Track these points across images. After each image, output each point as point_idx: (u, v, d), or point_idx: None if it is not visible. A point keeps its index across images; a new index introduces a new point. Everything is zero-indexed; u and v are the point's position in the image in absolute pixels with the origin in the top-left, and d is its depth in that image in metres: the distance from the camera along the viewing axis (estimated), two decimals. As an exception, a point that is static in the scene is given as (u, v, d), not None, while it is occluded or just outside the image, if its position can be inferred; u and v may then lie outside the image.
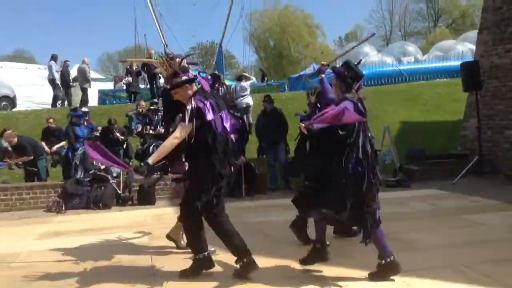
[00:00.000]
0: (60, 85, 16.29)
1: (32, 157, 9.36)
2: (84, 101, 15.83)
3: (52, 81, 16.15)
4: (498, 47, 9.85)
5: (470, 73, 9.63)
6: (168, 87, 4.32)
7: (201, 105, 3.96)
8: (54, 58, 16.61)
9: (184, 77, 4.11)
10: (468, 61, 11.55)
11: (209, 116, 3.97)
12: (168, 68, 4.19)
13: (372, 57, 23.80)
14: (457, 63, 15.42)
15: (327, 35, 48.72)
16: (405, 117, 13.83)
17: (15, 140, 9.36)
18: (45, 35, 79.28)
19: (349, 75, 4.05)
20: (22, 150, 9.36)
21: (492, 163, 9.48)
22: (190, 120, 3.89)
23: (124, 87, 17.76)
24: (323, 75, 5.12)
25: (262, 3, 41.25)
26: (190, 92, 4.07)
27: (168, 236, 5.21)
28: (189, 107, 3.93)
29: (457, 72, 15.55)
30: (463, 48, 23.00)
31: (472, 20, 44.52)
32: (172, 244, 5.25)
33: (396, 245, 5.04)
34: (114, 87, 20.19)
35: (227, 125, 4.14)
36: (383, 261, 4.01)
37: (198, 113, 3.92)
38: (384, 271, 4.01)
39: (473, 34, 24.99)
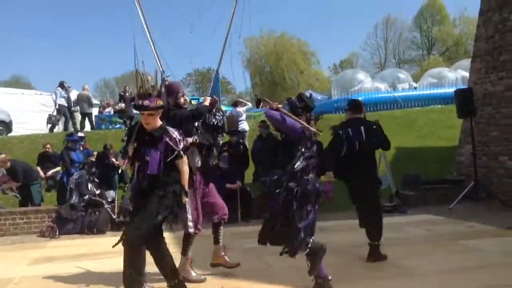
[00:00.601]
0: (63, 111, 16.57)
1: (19, 184, 9.31)
2: (90, 124, 16.64)
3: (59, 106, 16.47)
4: (491, 75, 9.98)
5: (464, 100, 9.73)
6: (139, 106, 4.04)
7: (179, 137, 4.09)
8: (61, 85, 16.87)
9: (160, 103, 4.02)
10: (462, 88, 11.69)
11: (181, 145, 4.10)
12: (143, 86, 4.01)
13: (366, 84, 24.01)
14: (451, 90, 15.58)
15: (322, 62, 49.23)
16: (401, 143, 13.88)
17: (8, 164, 9.32)
18: (42, 61, 79.74)
19: (299, 106, 4.26)
20: (14, 174, 9.32)
21: (487, 188, 9.51)
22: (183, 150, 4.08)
23: (112, 112, 18.09)
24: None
25: (258, 31, 41.56)
26: (159, 118, 4.11)
27: (212, 264, 5.06)
28: (175, 137, 4.04)
29: (450, 99, 15.72)
30: (456, 75, 23.30)
31: (465, 48, 45.25)
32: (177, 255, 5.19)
33: (393, 271, 5.05)
34: (100, 112, 19.86)
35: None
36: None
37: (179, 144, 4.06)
38: None
39: (466, 62, 25.42)
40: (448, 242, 6.28)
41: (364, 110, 5.85)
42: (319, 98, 25.46)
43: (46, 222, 8.59)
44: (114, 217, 8.83)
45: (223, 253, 4.98)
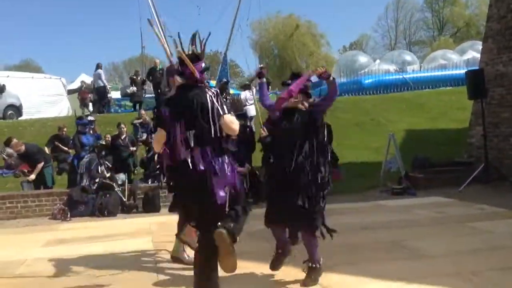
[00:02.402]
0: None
1: (43, 163, 9.42)
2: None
3: (101, 89, 17.26)
4: (503, 55, 9.84)
5: (475, 81, 9.62)
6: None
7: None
8: (99, 66, 17.57)
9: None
10: (473, 69, 11.54)
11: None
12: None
13: (372, 66, 23.90)
14: (462, 71, 15.43)
15: (331, 44, 48.81)
16: (410, 125, 13.83)
17: (23, 148, 9.40)
18: (51, 45, 79.82)
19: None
20: (30, 157, 9.39)
21: (498, 170, 9.43)
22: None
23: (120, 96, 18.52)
24: (263, 79, 4.76)
25: (265, 13, 41.12)
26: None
27: (173, 257, 5.03)
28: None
29: (461, 80, 15.58)
30: (460, 57, 23.15)
31: (477, 29, 44.56)
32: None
33: (402, 253, 5.05)
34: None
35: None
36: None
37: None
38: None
39: (471, 43, 25.13)
40: (458, 224, 6.26)
41: None
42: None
43: (58, 204, 8.68)
44: (124, 199, 8.91)
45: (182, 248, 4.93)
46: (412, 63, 24.62)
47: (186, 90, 3.50)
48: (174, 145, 3.36)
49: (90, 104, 18.06)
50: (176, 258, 4.98)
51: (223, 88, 9.98)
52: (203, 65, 3.58)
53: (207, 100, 3.40)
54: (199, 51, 3.57)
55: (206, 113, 3.37)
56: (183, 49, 3.53)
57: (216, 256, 3.39)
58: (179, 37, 3.54)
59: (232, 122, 3.48)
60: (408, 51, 32.63)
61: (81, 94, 18.60)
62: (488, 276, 4.13)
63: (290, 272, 4.38)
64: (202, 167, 3.32)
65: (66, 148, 10.68)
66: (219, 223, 3.33)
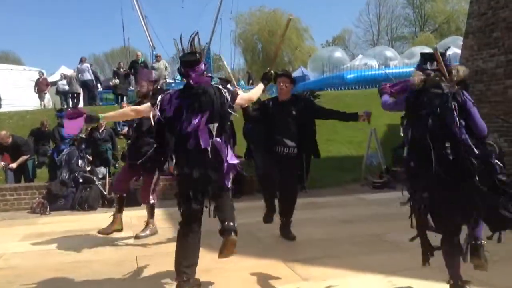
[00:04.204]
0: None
1: (28, 156, 9.30)
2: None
3: (88, 82, 16.99)
4: (483, 52, 9.95)
5: (455, 77, 9.71)
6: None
7: (165, 98, 3.76)
8: (83, 60, 17.33)
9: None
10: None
11: (169, 113, 3.72)
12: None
13: (354, 61, 24.11)
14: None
15: (315, 39, 48.90)
16: (392, 120, 13.89)
17: (10, 140, 9.27)
18: (31, 37, 78.52)
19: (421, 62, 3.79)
20: (16, 150, 9.26)
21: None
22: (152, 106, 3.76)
23: (101, 88, 18.35)
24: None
25: (247, 8, 41.10)
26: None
27: (100, 232, 5.70)
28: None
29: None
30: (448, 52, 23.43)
31: (457, 25, 45.06)
32: (158, 244, 5.26)
33: (382, 246, 5.11)
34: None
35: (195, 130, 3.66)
36: None
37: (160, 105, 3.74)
38: None
39: (452, 39, 25.44)
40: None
41: None
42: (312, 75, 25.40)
43: (37, 198, 8.56)
44: (105, 193, 8.82)
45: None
46: (393, 59, 24.84)
47: (202, 87, 3.73)
48: (194, 134, 3.62)
49: (47, 96, 17.80)
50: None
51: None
52: (203, 66, 3.80)
53: (225, 97, 3.77)
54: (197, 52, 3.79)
55: (224, 109, 3.75)
56: (183, 50, 3.80)
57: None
58: (180, 38, 3.81)
59: (249, 97, 4.31)
60: (389, 47, 32.86)
61: (39, 85, 17.90)
62: (468, 267, 4.19)
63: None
64: (221, 155, 3.68)
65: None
66: (231, 225, 3.60)
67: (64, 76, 18.04)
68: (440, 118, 3.37)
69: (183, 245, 3.71)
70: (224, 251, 3.62)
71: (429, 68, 3.60)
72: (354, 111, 5.38)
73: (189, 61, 3.74)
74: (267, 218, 5.51)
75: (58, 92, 17.61)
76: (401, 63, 24.15)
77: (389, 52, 26.30)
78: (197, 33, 3.79)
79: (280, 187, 5.30)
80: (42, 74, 18.53)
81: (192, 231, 3.72)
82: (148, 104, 3.86)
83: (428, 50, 25.50)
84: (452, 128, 3.33)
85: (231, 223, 3.62)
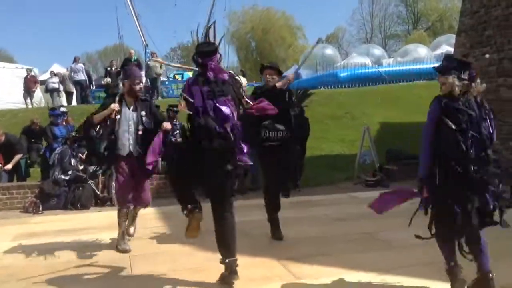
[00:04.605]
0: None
1: (21, 155, 9.27)
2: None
3: (82, 82, 17.10)
4: (476, 50, 10.00)
5: (448, 75, 9.75)
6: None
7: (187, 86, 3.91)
8: (77, 60, 17.38)
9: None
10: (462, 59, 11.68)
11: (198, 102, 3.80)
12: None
13: (339, 60, 24.29)
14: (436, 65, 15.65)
15: (308, 37, 48.89)
16: (385, 119, 13.98)
17: (3, 138, 9.20)
18: (24, 35, 78.04)
19: (451, 66, 3.68)
20: (9, 148, 9.20)
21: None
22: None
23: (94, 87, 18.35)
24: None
25: (240, 6, 41.12)
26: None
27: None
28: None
29: (434, 74, 15.81)
30: (429, 52, 23.61)
31: (450, 23, 45.24)
32: (150, 244, 5.25)
33: (375, 244, 5.12)
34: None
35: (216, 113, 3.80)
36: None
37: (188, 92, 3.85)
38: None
39: (446, 38, 25.59)
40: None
41: None
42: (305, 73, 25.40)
43: (29, 197, 8.51)
44: (98, 192, 8.78)
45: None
46: (382, 57, 24.93)
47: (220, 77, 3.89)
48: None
49: (38, 94, 17.79)
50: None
51: None
52: (219, 56, 3.97)
53: (240, 83, 4.05)
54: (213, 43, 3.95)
55: (240, 94, 4.00)
56: (198, 40, 3.95)
57: None
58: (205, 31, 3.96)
59: None
60: (377, 45, 32.96)
61: (27, 83, 17.47)
62: (460, 264, 4.21)
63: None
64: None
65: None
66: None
67: (55, 74, 17.94)
68: (479, 128, 3.50)
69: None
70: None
71: (463, 77, 3.61)
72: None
73: (207, 51, 3.85)
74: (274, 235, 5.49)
75: (47, 90, 17.51)
76: (394, 61, 24.24)
77: (377, 50, 26.38)
78: (214, 23, 4.02)
79: (272, 183, 5.29)
80: (30, 71, 18.14)
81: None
82: None
83: (422, 47, 25.66)
84: (487, 139, 3.50)
85: None
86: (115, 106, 4.99)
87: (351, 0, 76.58)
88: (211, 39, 3.95)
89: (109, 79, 16.49)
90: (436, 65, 4.00)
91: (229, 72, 4.02)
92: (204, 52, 3.87)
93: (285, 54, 42.47)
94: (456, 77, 3.57)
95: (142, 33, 22.07)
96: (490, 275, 3.54)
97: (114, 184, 5.17)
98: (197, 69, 4.01)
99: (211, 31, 3.96)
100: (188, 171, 3.80)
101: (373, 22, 52.85)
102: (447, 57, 3.89)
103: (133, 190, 5.16)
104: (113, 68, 16.92)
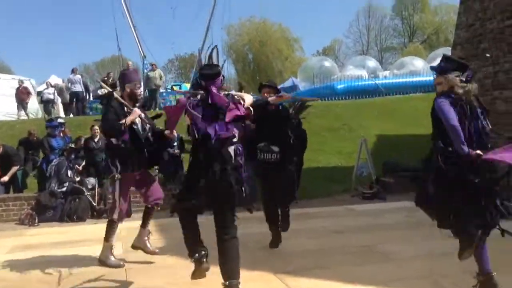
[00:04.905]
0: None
1: (18, 167, 9.25)
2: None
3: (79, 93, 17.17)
4: (472, 63, 10.02)
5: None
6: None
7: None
8: (75, 71, 17.54)
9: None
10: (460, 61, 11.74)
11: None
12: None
13: (334, 73, 24.47)
14: (431, 78, 15.76)
15: (305, 49, 49.16)
16: (382, 131, 14.01)
17: (1, 150, 9.17)
18: (22, 46, 78.12)
19: (452, 67, 3.75)
20: (7, 160, 9.17)
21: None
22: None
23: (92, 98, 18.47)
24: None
25: (237, 19, 41.23)
26: None
27: (134, 246, 5.24)
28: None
29: (430, 86, 15.92)
30: (424, 64, 23.80)
31: (445, 36, 45.59)
32: (147, 256, 5.20)
33: (373, 256, 5.10)
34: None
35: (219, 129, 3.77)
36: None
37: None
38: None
39: (443, 51, 25.80)
40: (427, 228, 6.33)
41: None
42: (302, 85, 25.53)
43: (25, 209, 8.46)
44: (94, 204, 8.75)
45: (146, 238, 5.24)
46: (376, 69, 25.10)
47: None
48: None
49: (35, 106, 17.83)
50: (137, 247, 5.21)
51: None
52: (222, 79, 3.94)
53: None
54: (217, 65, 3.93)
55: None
56: (210, 61, 3.94)
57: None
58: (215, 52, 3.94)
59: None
60: (371, 57, 33.23)
61: (19, 94, 17.29)
62: (457, 279, 4.21)
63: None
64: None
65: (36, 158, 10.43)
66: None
67: (51, 85, 17.95)
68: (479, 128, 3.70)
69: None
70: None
71: (461, 79, 3.71)
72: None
73: (210, 74, 3.81)
74: (272, 245, 5.53)
75: (42, 101, 17.50)
76: (391, 73, 24.38)
77: (371, 62, 26.61)
78: (216, 47, 3.96)
79: (270, 197, 5.32)
80: (22, 82, 18.00)
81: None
82: None
83: (418, 60, 25.83)
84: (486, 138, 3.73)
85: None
86: (138, 110, 4.90)
87: (348, 13, 77.08)
88: (215, 61, 3.93)
89: (105, 90, 16.50)
90: (434, 65, 4.03)
91: (228, 96, 3.89)
92: (207, 75, 3.84)
93: (282, 66, 42.64)
94: (456, 77, 3.67)
95: (140, 45, 22.15)
96: (493, 274, 3.63)
97: (115, 195, 4.98)
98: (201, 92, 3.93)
99: (214, 53, 3.93)
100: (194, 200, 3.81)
101: (369, 35, 53.24)
102: (446, 58, 3.91)
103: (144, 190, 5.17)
104: (110, 80, 16.95)
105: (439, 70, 3.77)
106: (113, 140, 4.81)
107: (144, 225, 5.30)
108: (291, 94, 9.77)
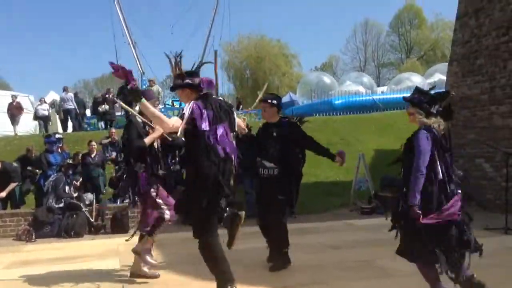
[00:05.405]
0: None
1: (17, 183, 9.27)
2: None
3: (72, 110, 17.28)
4: (468, 79, 10.15)
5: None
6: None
7: (196, 111, 3.75)
8: (66, 89, 17.65)
9: (187, 81, 3.93)
10: (439, 91, 11.79)
11: (203, 125, 3.74)
12: (174, 69, 4.06)
13: (333, 88, 24.66)
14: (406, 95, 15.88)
15: (303, 65, 49.50)
16: (379, 145, 14.04)
17: (0, 166, 9.19)
18: (20, 63, 78.54)
19: (425, 100, 3.91)
20: (5, 176, 9.16)
21: (464, 190, 9.63)
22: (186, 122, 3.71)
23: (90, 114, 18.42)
24: None
25: (236, 36, 41.45)
26: (192, 97, 3.89)
27: (133, 274, 5.10)
28: (186, 109, 3.76)
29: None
30: (432, 79, 23.93)
31: (442, 52, 45.94)
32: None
33: (371, 271, 5.08)
34: None
35: (223, 139, 3.83)
36: None
37: (191, 118, 3.73)
38: None
39: (440, 66, 26.02)
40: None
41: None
42: (300, 101, 25.66)
43: (23, 225, 8.44)
44: (92, 220, 8.73)
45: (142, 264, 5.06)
46: (369, 85, 25.31)
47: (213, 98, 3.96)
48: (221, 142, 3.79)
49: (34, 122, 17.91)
50: (135, 274, 5.05)
51: None
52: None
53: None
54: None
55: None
56: (178, 67, 4.01)
57: None
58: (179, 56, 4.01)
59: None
60: (366, 74, 33.50)
61: (11, 110, 17.35)
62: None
63: None
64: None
65: (36, 170, 10.38)
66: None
67: (44, 101, 18.00)
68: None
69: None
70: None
71: (432, 111, 3.95)
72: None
73: (193, 71, 4.00)
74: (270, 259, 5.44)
75: (36, 117, 17.54)
76: (389, 89, 24.53)
77: (365, 78, 26.84)
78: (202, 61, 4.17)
79: (262, 212, 5.32)
80: (15, 97, 18.01)
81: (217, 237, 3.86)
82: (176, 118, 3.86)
83: (416, 76, 25.99)
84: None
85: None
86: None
87: (345, 29, 77.82)
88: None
89: (106, 106, 16.57)
90: (407, 95, 4.12)
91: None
92: (192, 72, 3.95)
93: (279, 82, 42.83)
94: (424, 113, 3.91)
95: (139, 61, 22.22)
96: (474, 275, 3.69)
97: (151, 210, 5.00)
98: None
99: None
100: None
101: (366, 51, 53.62)
102: (419, 90, 4.05)
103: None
104: (111, 96, 17.00)
105: (411, 102, 3.94)
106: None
107: None
108: (289, 109, 9.86)
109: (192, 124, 3.71)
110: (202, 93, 3.93)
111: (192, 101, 3.79)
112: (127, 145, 4.97)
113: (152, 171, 4.88)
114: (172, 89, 4.15)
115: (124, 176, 5.01)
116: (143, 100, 3.71)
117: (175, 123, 3.73)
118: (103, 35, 75.73)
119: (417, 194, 3.64)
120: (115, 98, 15.87)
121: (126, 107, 5.07)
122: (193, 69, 4.06)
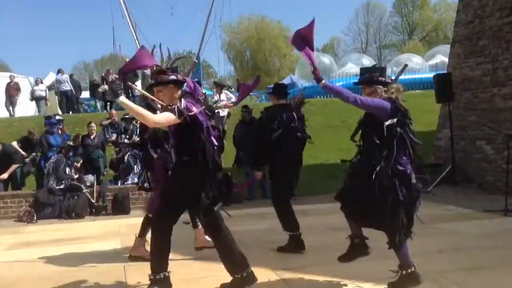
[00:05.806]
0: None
1: (18, 165, 9.29)
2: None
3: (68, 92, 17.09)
4: (470, 60, 10.07)
5: (443, 85, 9.81)
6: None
7: (192, 107, 3.75)
8: (61, 71, 17.51)
9: (172, 77, 3.85)
10: (441, 73, 11.74)
11: (201, 117, 3.78)
12: (167, 63, 4.06)
13: (332, 69, 24.52)
14: (430, 75, 15.76)
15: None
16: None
17: (0, 148, 9.17)
18: (19, 44, 78.02)
19: (377, 74, 4.14)
20: (6, 158, 9.16)
21: (464, 172, 9.65)
22: (179, 116, 3.64)
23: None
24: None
25: (237, 16, 41.07)
26: (176, 95, 3.83)
27: (131, 257, 5.12)
28: (177, 106, 3.70)
29: (428, 84, 15.93)
30: (433, 61, 23.77)
31: (445, 33, 45.59)
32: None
33: (372, 253, 5.08)
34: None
35: (213, 133, 4.01)
36: (404, 271, 3.91)
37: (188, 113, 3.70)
38: (404, 281, 3.88)
39: (441, 48, 25.81)
40: (426, 225, 6.35)
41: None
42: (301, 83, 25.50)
43: (24, 206, 8.46)
44: (93, 201, 8.75)
45: (203, 236, 5.00)
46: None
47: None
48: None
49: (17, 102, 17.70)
50: (134, 257, 5.06)
51: None
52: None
53: None
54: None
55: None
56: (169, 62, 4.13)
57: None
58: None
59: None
60: (366, 55, 33.28)
61: (9, 90, 17.15)
62: (454, 276, 4.21)
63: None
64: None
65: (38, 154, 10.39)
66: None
67: (41, 81, 17.90)
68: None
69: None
70: None
71: (387, 81, 4.16)
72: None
73: (175, 67, 4.03)
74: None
75: (33, 98, 17.46)
76: (389, 71, 24.40)
77: (366, 60, 26.62)
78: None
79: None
80: (13, 77, 17.85)
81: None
82: (169, 113, 3.70)
83: (416, 57, 25.79)
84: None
85: None
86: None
87: (347, 10, 77.08)
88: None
89: (106, 87, 16.47)
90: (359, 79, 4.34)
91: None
92: (175, 68, 3.96)
93: (280, 64, 42.62)
94: (382, 86, 4.06)
95: (138, 43, 22.06)
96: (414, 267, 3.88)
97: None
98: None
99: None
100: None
101: (368, 32, 53.20)
102: (366, 69, 4.32)
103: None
104: (110, 77, 16.89)
105: (367, 82, 4.18)
106: None
107: (195, 225, 5.15)
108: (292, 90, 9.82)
109: (191, 118, 3.71)
110: (185, 92, 4.00)
111: (183, 99, 3.80)
112: (143, 130, 4.97)
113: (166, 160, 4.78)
114: (156, 84, 3.94)
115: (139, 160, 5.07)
116: (122, 97, 3.61)
117: (167, 117, 3.68)
118: (102, 15, 74.86)
119: (332, 86, 4.35)
120: (129, 83, 15.73)
121: (140, 90, 5.05)
122: (169, 66, 4.05)
